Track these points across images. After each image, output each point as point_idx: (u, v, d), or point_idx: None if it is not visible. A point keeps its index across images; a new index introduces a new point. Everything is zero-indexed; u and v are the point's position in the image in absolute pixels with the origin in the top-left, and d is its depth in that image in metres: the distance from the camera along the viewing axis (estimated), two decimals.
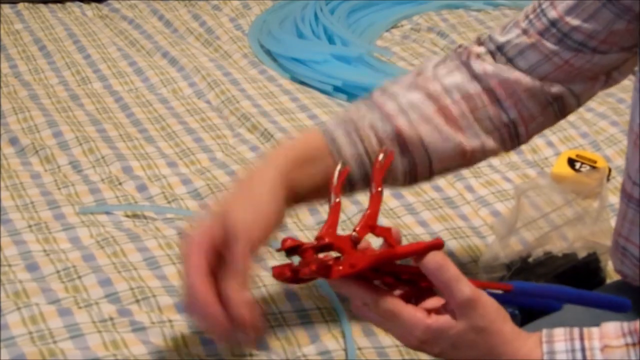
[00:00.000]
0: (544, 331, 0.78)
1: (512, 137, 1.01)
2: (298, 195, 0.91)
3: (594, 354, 0.75)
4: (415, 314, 0.76)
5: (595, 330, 0.77)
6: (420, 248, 0.75)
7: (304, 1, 1.98)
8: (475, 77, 0.98)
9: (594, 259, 1.13)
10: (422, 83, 1.00)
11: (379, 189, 0.82)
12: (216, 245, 0.84)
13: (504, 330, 0.76)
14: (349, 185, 0.96)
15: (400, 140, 0.96)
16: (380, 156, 0.82)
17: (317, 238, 0.78)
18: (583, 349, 0.76)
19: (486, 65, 0.98)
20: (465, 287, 0.75)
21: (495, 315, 0.76)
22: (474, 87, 0.98)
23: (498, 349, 0.77)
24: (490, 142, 0.99)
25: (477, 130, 0.98)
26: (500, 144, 1.01)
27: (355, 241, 0.78)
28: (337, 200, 0.81)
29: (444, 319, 0.76)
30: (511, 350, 0.77)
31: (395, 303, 0.76)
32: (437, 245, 0.75)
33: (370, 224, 0.79)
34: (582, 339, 0.76)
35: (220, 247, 0.84)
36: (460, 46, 1.03)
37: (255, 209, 0.86)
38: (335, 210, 0.80)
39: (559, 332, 0.77)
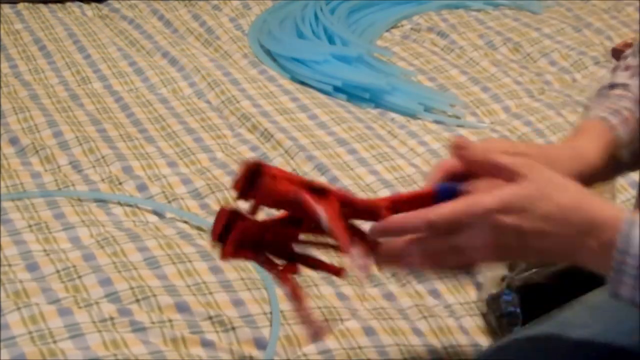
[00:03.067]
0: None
1: None
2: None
3: None
4: (480, 197, 0.74)
5: None
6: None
7: (304, 1, 1.98)
8: None
9: None
10: (637, 70, 1.01)
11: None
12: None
13: (570, 184, 0.75)
14: (616, 166, 0.94)
15: None
16: None
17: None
18: None
19: None
20: (504, 157, 0.75)
21: (552, 173, 0.76)
22: None
23: (585, 197, 0.75)
24: None
25: None
26: None
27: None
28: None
29: (511, 187, 0.74)
30: (593, 202, 0.75)
31: (447, 206, 0.74)
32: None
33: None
34: None
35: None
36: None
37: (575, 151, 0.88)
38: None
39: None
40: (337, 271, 0.83)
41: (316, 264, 0.83)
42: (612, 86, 1.00)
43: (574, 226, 0.75)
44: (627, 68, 1.01)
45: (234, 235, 0.79)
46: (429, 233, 0.75)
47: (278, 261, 0.82)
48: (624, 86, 0.99)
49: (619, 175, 0.98)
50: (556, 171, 0.80)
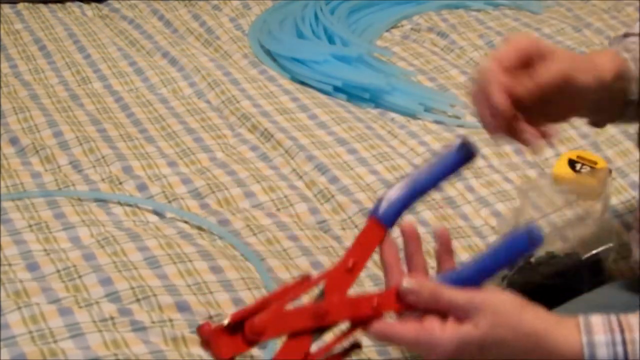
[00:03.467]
0: (581, 319, 0.77)
1: None
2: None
3: (635, 348, 0.74)
4: (438, 335, 0.75)
5: (633, 321, 0.76)
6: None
7: (304, 1, 1.98)
8: None
9: (596, 260, 1.13)
10: None
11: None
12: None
13: (524, 320, 0.75)
14: (625, 102, 0.97)
15: None
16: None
17: None
18: (624, 342, 0.74)
19: None
20: (458, 295, 0.75)
21: (509, 307, 0.76)
22: None
23: (530, 341, 0.75)
24: None
25: None
26: None
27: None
28: None
29: (466, 327, 0.75)
30: (545, 340, 0.75)
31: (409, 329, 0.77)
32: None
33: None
34: (622, 331, 0.75)
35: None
36: None
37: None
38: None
39: (597, 322, 0.76)
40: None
41: None
42: (626, 35, 1.02)
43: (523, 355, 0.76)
44: None
45: None
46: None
47: None
48: (638, 35, 1.00)
49: (625, 118, 0.99)
50: (576, 80, 0.88)
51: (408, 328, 0.76)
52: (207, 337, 0.77)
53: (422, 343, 0.75)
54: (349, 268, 0.82)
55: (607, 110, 0.97)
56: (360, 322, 0.80)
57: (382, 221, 0.83)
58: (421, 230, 1.28)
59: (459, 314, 0.76)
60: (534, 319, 0.76)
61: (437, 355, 0.75)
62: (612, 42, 1.02)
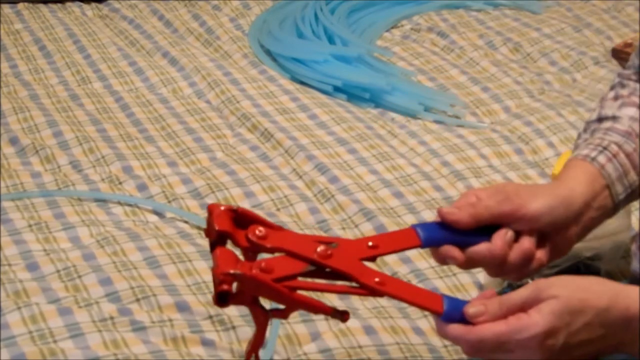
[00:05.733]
0: None
1: None
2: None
3: None
4: (526, 324, 0.76)
5: None
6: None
7: (304, 1, 1.98)
8: None
9: (596, 260, 1.13)
10: (628, 101, 0.99)
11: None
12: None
13: (590, 300, 0.76)
14: (615, 210, 0.95)
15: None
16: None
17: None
18: None
19: None
20: (521, 291, 0.76)
21: (571, 278, 0.77)
22: None
23: (614, 293, 0.77)
24: None
25: None
26: None
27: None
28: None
29: (548, 309, 0.76)
30: (623, 296, 0.77)
31: (492, 329, 0.76)
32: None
33: None
34: None
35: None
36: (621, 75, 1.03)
37: (532, 191, 0.87)
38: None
39: None
40: (342, 314, 0.82)
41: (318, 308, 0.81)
42: (600, 119, 0.99)
43: (611, 327, 0.77)
44: (616, 98, 0.99)
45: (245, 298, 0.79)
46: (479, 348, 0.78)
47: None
48: (613, 119, 0.97)
49: (620, 209, 0.97)
50: (541, 221, 0.85)
51: (496, 325, 0.76)
52: (212, 211, 0.79)
53: (513, 331, 0.75)
54: (370, 245, 0.82)
55: (595, 223, 0.95)
56: (357, 287, 0.79)
57: (420, 237, 0.84)
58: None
59: (533, 302, 0.76)
60: (602, 284, 0.78)
61: (531, 342, 0.75)
62: (585, 134, 0.99)
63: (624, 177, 0.93)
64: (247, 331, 1.07)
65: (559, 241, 0.89)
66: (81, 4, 1.99)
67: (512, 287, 1.10)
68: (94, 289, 1.12)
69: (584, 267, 1.12)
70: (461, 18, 2.02)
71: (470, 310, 0.78)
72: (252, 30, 1.90)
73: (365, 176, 1.42)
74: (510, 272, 0.87)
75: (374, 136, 1.53)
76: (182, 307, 1.10)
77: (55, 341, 1.02)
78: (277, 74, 1.73)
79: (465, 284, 1.19)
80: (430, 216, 1.32)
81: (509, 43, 1.90)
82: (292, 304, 0.78)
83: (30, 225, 1.23)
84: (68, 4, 1.98)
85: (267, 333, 1.07)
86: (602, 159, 0.93)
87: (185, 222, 1.28)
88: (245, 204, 1.33)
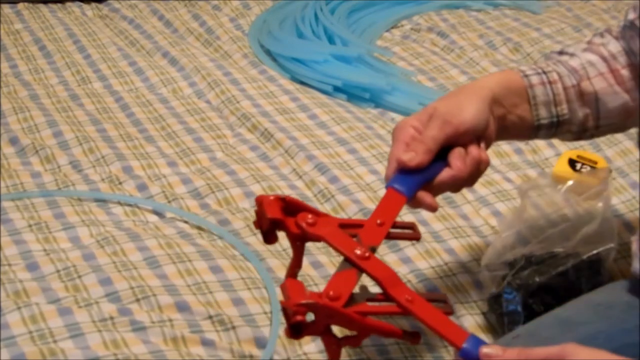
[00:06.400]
0: None
1: None
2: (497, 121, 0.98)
3: None
4: None
5: None
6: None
7: (304, 1, 1.98)
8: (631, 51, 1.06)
9: (596, 260, 1.13)
10: (595, 48, 1.07)
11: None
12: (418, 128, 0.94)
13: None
14: (535, 131, 1.02)
15: (579, 92, 1.03)
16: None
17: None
18: None
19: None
20: (539, 350, 0.75)
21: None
22: (634, 58, 1.05)
23: None
24: None
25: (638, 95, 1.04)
26: None
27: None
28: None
29: None
30: None
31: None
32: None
33: None
34: None
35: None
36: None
37: (459, 105, 0.94)
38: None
39: None
40: (412, 336, 0.83)
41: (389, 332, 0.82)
42: (561, 53, 1.07)
43: None
44: (588, 43, 1.08)
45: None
46: None
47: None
48: (571, 55, 1.05)
49: (545, 137, 1.04)
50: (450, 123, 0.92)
51: (545, 349, 0.76)
52: (262, 201, 0.83)
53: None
54: (379, 223, 0.86)
55: (519, 130, 1.02)
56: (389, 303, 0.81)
57: (403, 193, 0.89)
58: (421, 229, 1.29)
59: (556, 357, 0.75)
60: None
61: None
62: (546, 56, 1.05)
63: (553, 105, 1.01)
64: (247, 331, 1.07)
65: (487, 138, 0.96)
66: (81, 4, 1.99)
67: (511, 287, 1.10)
68: (94, 289, 1.11)
69: (583, 266, 1.12)
70: (461, 18, 2.02)
71: (485, 349, 0.77)
72: (252, 30, 1.90)
73: (365, 176, 1.42)
74: (466, 182, 0.94)
75: (374, 136, 1.53)
76: (182, 307, 1.10)
77: (55, 341, 1.02)
78: (277, 74, 1.73)
79: (466, 284, 1.19)
80: (429, 216, 1.32)
81: (509, 43, 1.90)
82: (364, 329, 0.79)
83: (30, 225, 1.23)
84: (68, 4, 1.98)
85: (267, 333, 1.07)
86: (535, 79, 1.00)
87: (185, 222, 1.28)
88: (245, 204, 1.33)
